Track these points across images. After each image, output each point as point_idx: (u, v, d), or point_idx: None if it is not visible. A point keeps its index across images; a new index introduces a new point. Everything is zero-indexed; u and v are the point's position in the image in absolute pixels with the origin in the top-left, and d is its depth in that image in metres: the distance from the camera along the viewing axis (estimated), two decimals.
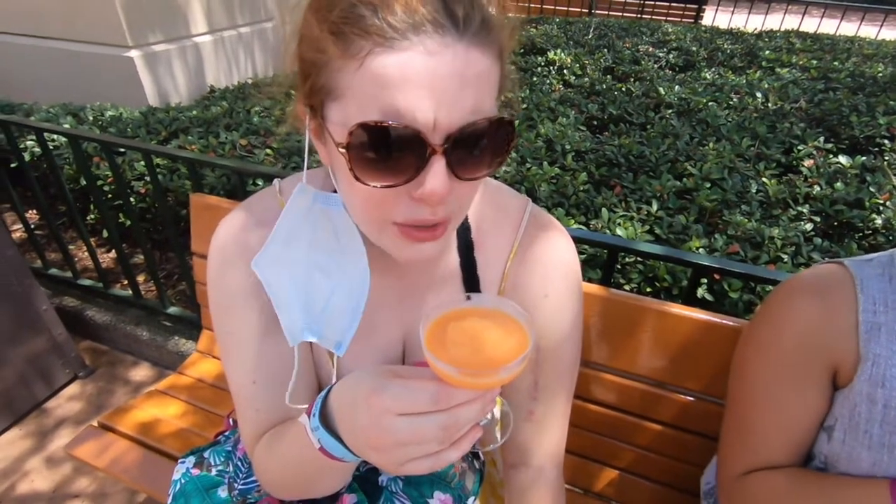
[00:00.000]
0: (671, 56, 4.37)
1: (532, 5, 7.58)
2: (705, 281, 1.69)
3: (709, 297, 1.66)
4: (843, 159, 2.41)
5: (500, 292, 0.68)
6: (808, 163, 2.46)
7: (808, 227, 1.97)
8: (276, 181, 0.68)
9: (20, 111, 2.82)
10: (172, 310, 2.02)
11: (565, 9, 7.41)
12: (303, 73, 0.49)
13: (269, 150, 2.45)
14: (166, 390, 1.35)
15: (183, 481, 0.77)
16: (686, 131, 2.77)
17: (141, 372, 2.02)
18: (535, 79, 3.83)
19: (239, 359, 0.64)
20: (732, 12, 7.04)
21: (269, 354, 0.63)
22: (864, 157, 2.40)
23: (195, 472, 0.78)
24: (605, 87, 3.55)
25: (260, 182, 1.98)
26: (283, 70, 0.54)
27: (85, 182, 1.93)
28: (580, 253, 1.80)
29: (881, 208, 2.01)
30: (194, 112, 2.90)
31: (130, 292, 2.07)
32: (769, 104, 3.19)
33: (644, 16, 7.67)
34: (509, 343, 0.43)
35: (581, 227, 1.93)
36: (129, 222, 2.22)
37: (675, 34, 5.02)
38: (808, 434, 0.69)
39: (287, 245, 0.60)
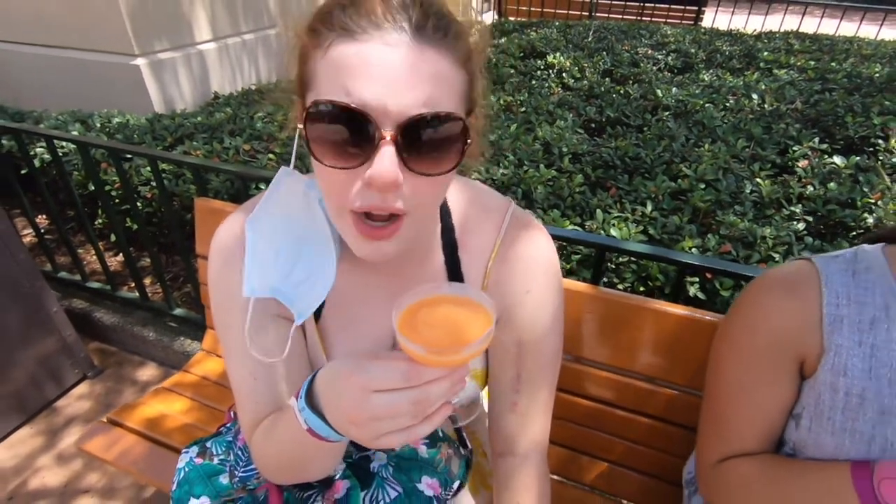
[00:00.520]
0: (670, 58, 4.41)
1: (533, 9, 7.63)
2: (697, 280, 1.73)
3: (701, 295, 1.69)
4: (837, 159, 2.44)
5: (484, 289, 0.72)
6: (802, 163, 2.49)
7: (801, 226, 2.00)
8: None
9: (30, 119, 2.89)
10: (178, 311, 2.07)
11: (565, 12, 7.45)
12: (297, 71, 0.55)
13: (271, 155, 2.50)
14: (172, 387, 1.40)
15: (187, 469, 0.82)
16: (682, 133, 2.80)
17: (148, 371, 2.08)
18: (534, 82, 3.88)
19: (239, 355, 0.68)
20: (732, 13, 7.06)
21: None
22: (858, 158, 2.42)
23: (198, 461, 0.83)
24: (603, 89, 3.59)
25: (263, 186, 2.03)
26: (285, 76, 0.59)
27: (93, 187, 2.00)
28: (574, 254, 1.84)
29: (873, 207, 2.04)
30: (199, 118, 2.97)
31: (137, 294, 2.12)
32: (765, 105, 3.22)
33: (644, 18, 7.70)
34: (473, 325, 0.48)
35: (577, 228, 1.97)
36: (136, 226, 2.28)
37: (674, 36, 5.05)
38: (778, 423, 0.73)
39: (280, 218, 0.65)
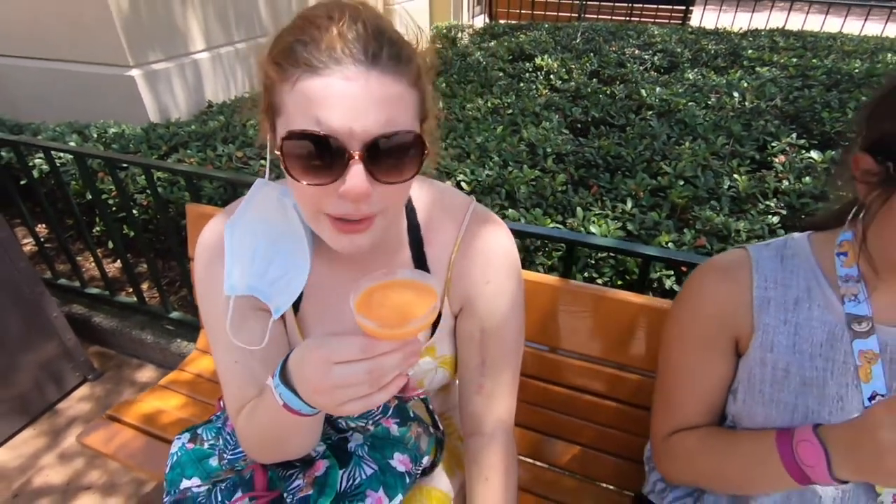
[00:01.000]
0: (656, 58, 4.48)
1: (523, 11, 7.72)
2: (672, 273, 1.80)
3: (677, 287, 1.76)
4: (814, 154, 2.51)
5: (447, 281, 0.78)
6: (780, 158, 2.56)
7: (776, 219, 2.07)
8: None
9: (28, 131, 2.95)
10: (174, 314, 2.14)
11: (555, 14, 7.54)
12: (264, 96, 0.61)
13: (263, 162, 2.57)
14: (168, 385, 1.46)
15: (179, 454, 0.88)
16: (664, 131, 2.87)
17: (146, 373, 2.14)
18: (522, 84, 3.95)
19: (224, 344, 0.75)
20: (719, 11, 7.15)
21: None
22: (833, 152, 2.50)
23: (190, 446, 0.90)
24: (589, 90, 3.66)
25: None
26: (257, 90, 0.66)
27: (91, 196, 2.06)
28: (555, 251, 1.91)
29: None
30: (193, 127, 3.04)
31: (135, 299, 2.19)
32: (746, 103, 3.29)
33: (633, 19, 7.78)
34: (420, 303, 0.55)
35: (558, 226, 2.04)
36: (132, 233, 2.34)
37: (661, 36, 5.12)
38: (718, 398, 0.80)
39: (257, 222, 0.72)
